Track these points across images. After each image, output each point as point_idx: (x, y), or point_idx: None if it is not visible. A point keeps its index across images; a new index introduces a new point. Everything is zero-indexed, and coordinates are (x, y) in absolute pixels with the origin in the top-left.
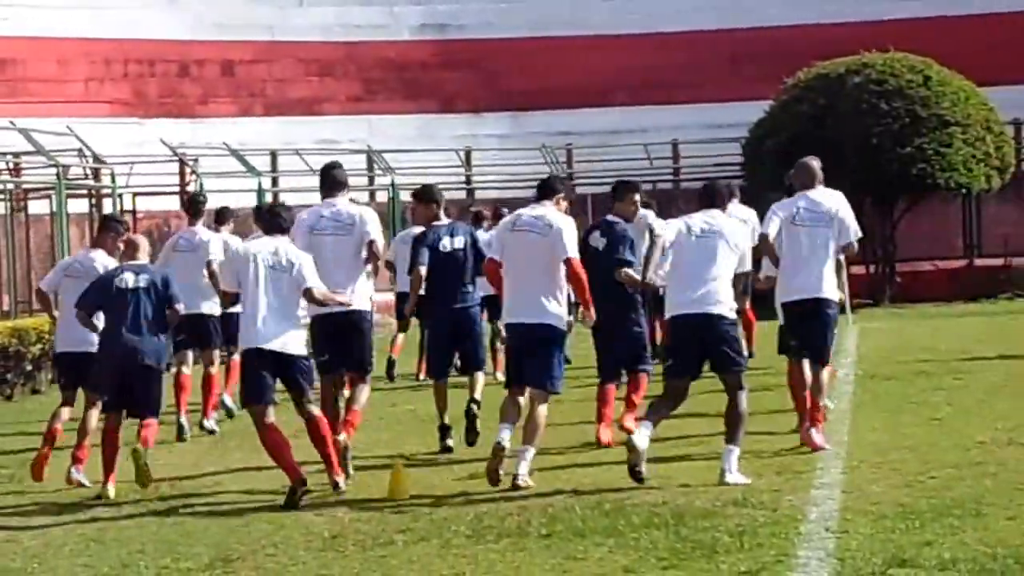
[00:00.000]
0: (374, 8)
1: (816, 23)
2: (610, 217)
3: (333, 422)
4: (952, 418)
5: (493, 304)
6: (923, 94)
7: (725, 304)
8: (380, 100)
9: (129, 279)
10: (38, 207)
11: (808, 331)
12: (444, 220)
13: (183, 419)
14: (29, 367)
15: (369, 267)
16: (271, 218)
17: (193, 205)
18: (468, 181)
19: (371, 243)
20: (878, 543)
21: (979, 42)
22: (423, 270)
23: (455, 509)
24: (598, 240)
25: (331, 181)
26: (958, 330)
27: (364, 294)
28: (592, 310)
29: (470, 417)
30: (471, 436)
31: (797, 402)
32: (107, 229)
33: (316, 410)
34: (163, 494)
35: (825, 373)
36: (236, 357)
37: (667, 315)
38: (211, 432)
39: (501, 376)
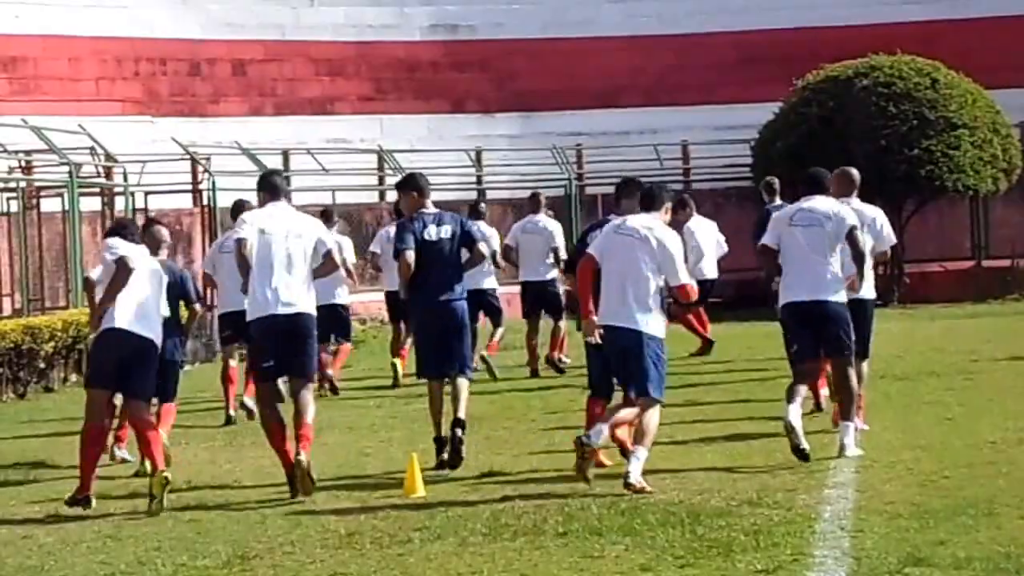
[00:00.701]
0: (385, 8)
1: (825, 26)
2: (614, 217)
3: (278, 426)
4: (963, 418)
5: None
6: (931, 96)
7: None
8: (391, 100)
9: None
10: (50, 205)
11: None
12: (431, 209)
13: (232, 411)
14: (42, 365)
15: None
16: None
17: (237, 211)
18: (479, 181)
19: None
20: (893, 542)
21: (986, 45)
22: (410, 255)
23: (472, 507)
24: None
25: (271, 188)
26: (967, 331)
27: (311, 297)
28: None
29: (455, 442)
30: (455, 459)
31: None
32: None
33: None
34: (179, 491)
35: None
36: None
37: (783, 302)
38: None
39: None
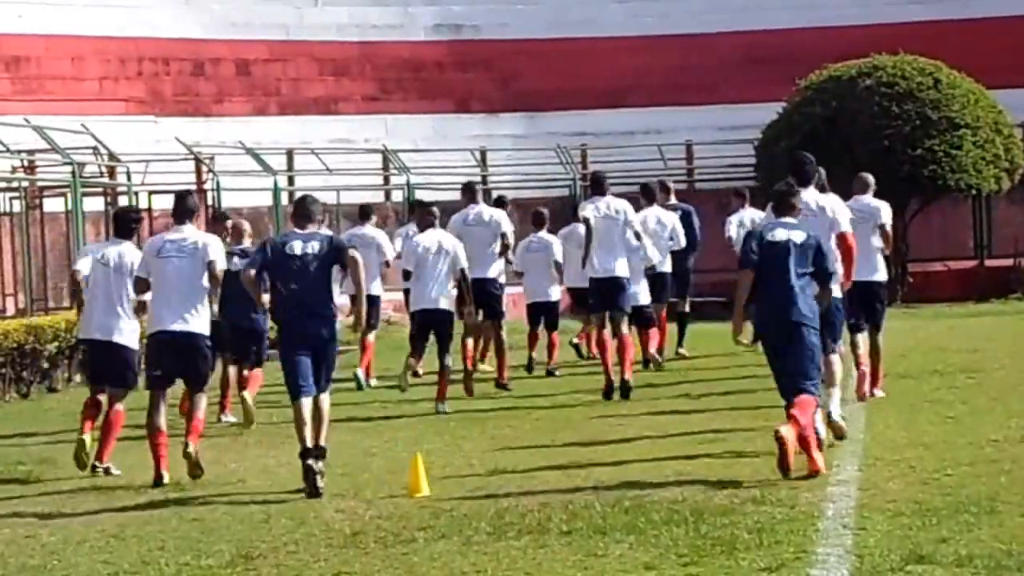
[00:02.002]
0: (389, 8)
1: (828, 26)
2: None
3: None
4: (966, 416)
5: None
6: (933, 96)
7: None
8: (395, 100)
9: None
10: (53, 205)
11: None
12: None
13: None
14: (46, 365)
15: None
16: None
17: (364, 210)
18: (483, 181)
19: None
20: (895, 540)
21: (988, 45)
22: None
23: (476, 506)
24: None
25: (183, 209)
26: (970, 330)
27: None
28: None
29: (315, 460)
30: (313, 485)
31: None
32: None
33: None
34: (184, 491)
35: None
36: None
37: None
38: None
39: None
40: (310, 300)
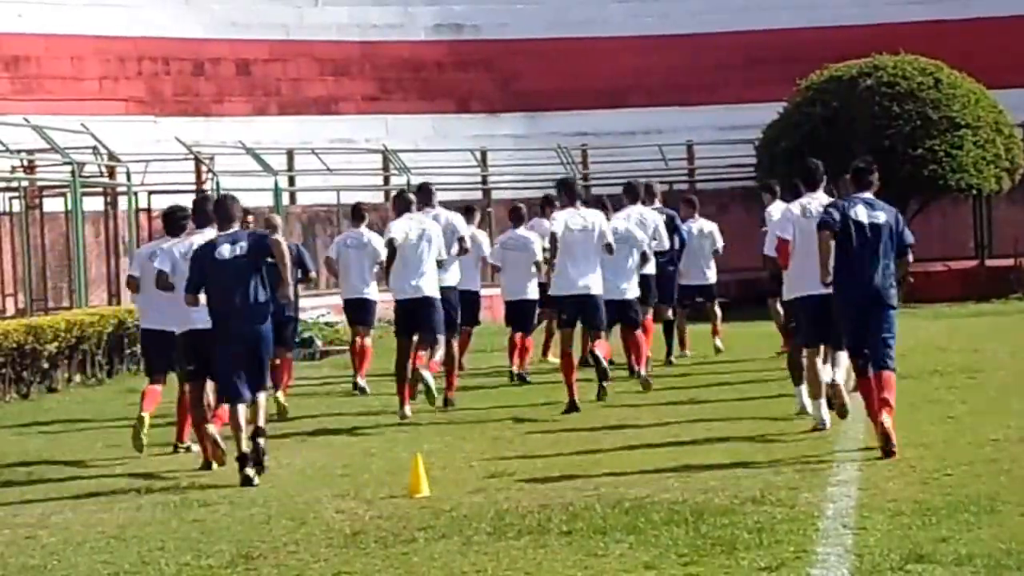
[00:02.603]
0: (389, 8)
1: (828, 26)
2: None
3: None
4: (966, 416)
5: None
6: (934, 96)
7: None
8: (396, 100)
9: None
10: (53, 205)
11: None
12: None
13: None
14: (45, 365)
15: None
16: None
17: (357, 211)
18: (484, 181)
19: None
20: (895, 539)
21: (989, 45)
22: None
23: (476, 506)
24: None
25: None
26: (970, 330)
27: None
28: None
29: (257, 453)
30: (250, 474)
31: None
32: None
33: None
34: (184, 490)
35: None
36: None
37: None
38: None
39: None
40: (244, 300)
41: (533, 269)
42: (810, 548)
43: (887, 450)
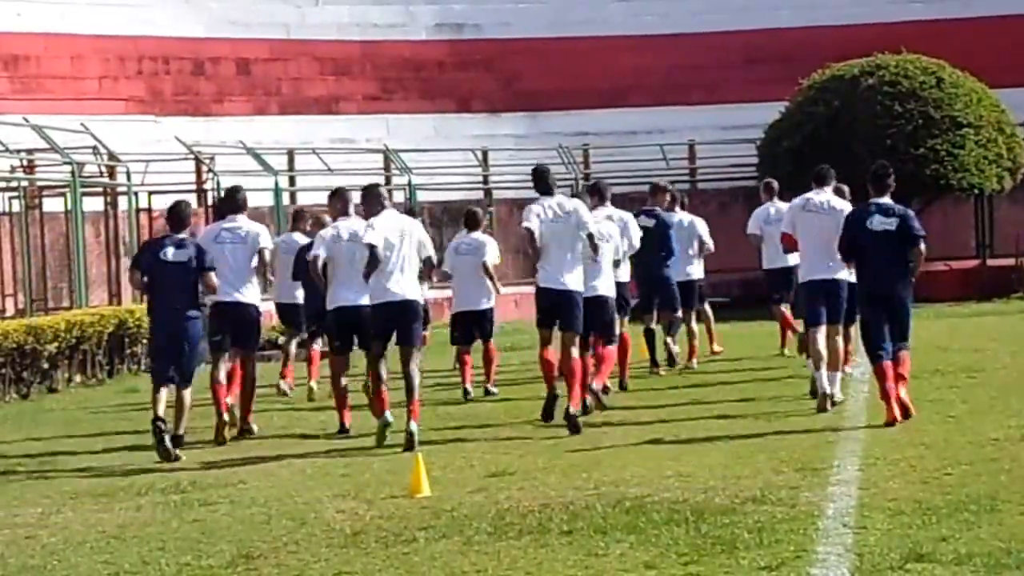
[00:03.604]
0: (390, 7)
1: (830, 25)
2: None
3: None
4: (967, 415)
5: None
6: (936, 96)
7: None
8: (397, 99)
9: None
10: (52, 205)
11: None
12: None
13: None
14: (45, 365)
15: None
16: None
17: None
18: (485, 181)
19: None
20: (895, 538)
21: (991, 44)
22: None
23: (477, 506)
24: None
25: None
26: (971, 329)
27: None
28: None
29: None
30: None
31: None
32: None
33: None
34: (184, 490)
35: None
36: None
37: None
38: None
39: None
40: (179, 302)
41: (483, 274)
42: (810, 547)
43: (906, 414)
